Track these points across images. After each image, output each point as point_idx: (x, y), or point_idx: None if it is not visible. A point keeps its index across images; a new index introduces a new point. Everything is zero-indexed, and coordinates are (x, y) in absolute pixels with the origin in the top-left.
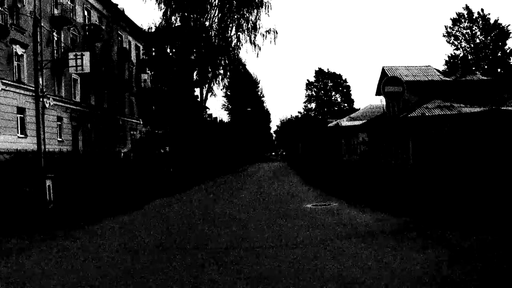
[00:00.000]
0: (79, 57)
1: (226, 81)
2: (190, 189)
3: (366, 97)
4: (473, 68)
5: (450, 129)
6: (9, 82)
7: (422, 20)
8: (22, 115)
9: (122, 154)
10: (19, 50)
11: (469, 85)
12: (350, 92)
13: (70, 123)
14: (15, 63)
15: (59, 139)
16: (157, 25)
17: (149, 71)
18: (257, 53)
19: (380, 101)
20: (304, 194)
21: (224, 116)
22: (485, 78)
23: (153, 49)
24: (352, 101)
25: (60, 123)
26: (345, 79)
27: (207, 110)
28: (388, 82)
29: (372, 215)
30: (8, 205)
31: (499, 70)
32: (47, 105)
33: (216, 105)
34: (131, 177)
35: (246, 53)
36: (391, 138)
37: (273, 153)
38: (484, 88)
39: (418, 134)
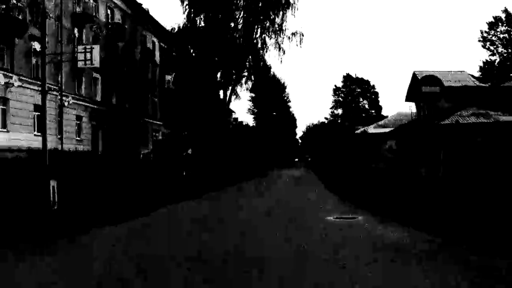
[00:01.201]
0: (88, 50)
1: (250, 83)
2: (207, 193)
3: (394, 104)
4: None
5: (486, 138)
6: (26, 79)
7: (455, 24)
8: (39, 113)
9: (142, 156)
10: (37, 46)
11: (507, 92)
12: (378, 99)
13: (90, 122)
14: (33, 60)
15: (77, 138)
16: (180, 26)
17: (172, 72)
18: (282, 57)
19: (409, 108)
20: (327, 204)
21: (249, 120)
22: None
23: (176, 50)
24: (380, 108)
25: (79, 122)
26: (373, 85)
27: (233, 113)
28: (425, 81)
29: (401, 232)
30: (12, 206)
31: None
32: (66, 104)
33: (242, 109)
34: (146, 179)
35: (270, 56)
36: (421, 146)
37: (298, 159)
38: None
39: (451, 143)
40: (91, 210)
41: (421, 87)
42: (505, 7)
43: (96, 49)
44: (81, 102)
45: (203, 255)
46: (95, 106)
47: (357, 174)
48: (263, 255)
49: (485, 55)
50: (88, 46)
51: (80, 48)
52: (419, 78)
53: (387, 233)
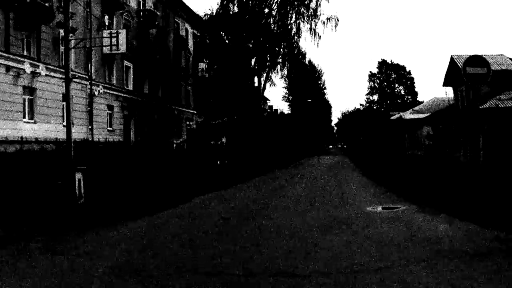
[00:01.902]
0: (114, 35)
1: (285, 70)
2: (241, 183)
3: (430, 89)
4: None
5: None
6: (54, 68)
7: (492, 6)
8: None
9: (175, 145)
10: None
11: None
12: (414, 85)
13: (122, 112)
14: (61, 48)
15: (109, 128)
16: (214, 12)
17: (206, 60)
18: (317, 42)
19: (446, 93)
20: (365, 193)
21: (284, 107)
22: None
23: (210, 37)
24: (416, 93)
25: (110, 112)
26: (409, 71)
27: (268, 101)
28: (470, 62)
29: (452, 225)
30: (36, 199)
31: None
32: (96, 93)
33: (277, 97)
34: (179, 169)
35: (305, 42)
36: (459, 131)
37: (334, 146)
38: None
39: (490, 128)
40: (120, 203)
41: (466, 68)
42: None
43: (123, 34)
44: (112, 92)
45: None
46: (127, 96)
47: (394, 161)
48: (291, 253)
49: None
50: (114, 31)
51: (106, 33)
52: (458, 61)
53: (435, 225)
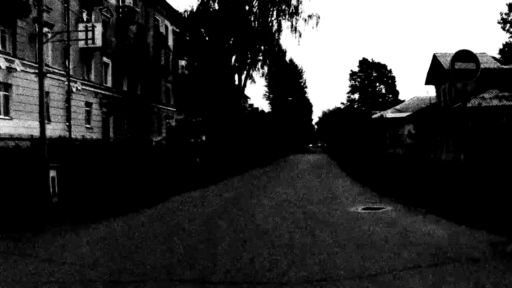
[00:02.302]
0: (90, 29)
1: (266, 68)
2: (221, 181)
3: (411, 88)
4: None
5: (509, 121)
6: (30, 63)
7: (472, 6)
8: (45, 100)
9: (154, 143)
10: (43, 29)
11: None
12: (395, 83)
13: (100, 109)
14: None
15: (87, 125)
16: (194, 9)
17: (186, 57)
18: (298, 40)
19: (427, 92)
20: (349, 192)
21: (265, 106)
22: None
23: (190, 34)
24: (397, 92)
25: (89, 109)
26: (390, 69)
27: (248, 99)
28: (458, 57)
29: (440, 226)
30: (8, 197)
31: None
32: (74, 90)
33: (258, 95)
34: (158, 168)
35: (286, 40)
36: (441, 130)
37: (314, 145)
38: None
39: (473, 126)
40: (95, 202)
41: (454, 63)
42: None
43: (99, 27)
44: (90, 88)
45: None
46: (106, 92)
47: (376, 160)
48: (280, 269)
49: (504, 37)
50: (90, 24)
51: (81, 26)
52: (441, 59)
53: (423, 226)
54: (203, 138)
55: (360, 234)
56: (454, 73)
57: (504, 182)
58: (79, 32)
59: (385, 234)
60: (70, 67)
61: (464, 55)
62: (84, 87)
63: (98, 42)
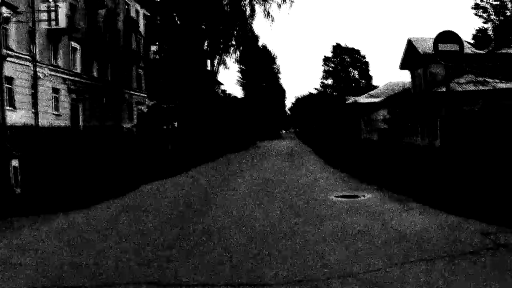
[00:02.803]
0: (52, 8)
1: (238, 53)
2: (193, 168)
3: (385, 74)
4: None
5: (485, 106)
6: None
7: None
8: (10, 86)
9: (125, 130)
10: (4, 11)
11: (505, 58)
12: (369, 69)
13: (69, 95)
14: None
15: (55, 112)
16: None
17: (157, 42)
18: (271, 24)
19: (400, 77)
20: (326, 179)
21: (238, 92)
22: None
23: (161, 18)
24: (371, 77)
25: (57, 95)
26: (364, 55)
27: (221, 85)
28: (441, 38)
29: (426, 215)
30: None
31: None
32: (41, 75)
33: (231, 81)
34: (128, 155)
35: (259, 25)
36: (416, 115)
37: (287, 131)
38: None
39: (448, 111)
40: (62, 193)
41: (437, 44)
42: None
43: (62, 7)
44: (58, 74)
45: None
46: (75, 78)
47: (351, 146)
48: (254, 264)
49: (478, 22)
50: (52, 3)
51: (42, 6)
52: (416, 43)
53: (407, 215)
54: (175, 124)
55: (343, 226)
56: (437, 55)
57: (483, 167)
58: (42, 13)
59: (370, 225)
60: (37, 51)
61: (447, 37)
62: (51, 72)
63: (62, 23)
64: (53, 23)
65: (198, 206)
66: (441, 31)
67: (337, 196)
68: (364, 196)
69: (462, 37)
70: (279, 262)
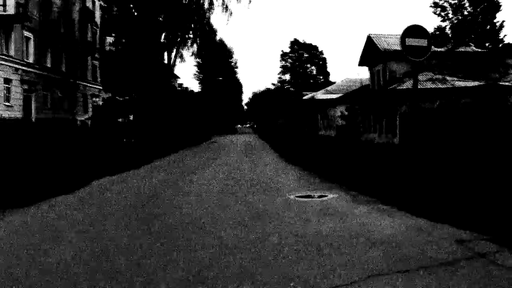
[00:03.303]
0: None
1: (196, 46)
2: (148, 163)
3: (343, 70)
4: (466, 39)
5: (444, 103)
6: None
7: None
8: None
9: (79, 122)
10: None
11: (463, 57)
12: (326, 65)
13: (21, 86)
14: None
15: (6, 103)
16: None
17: (113, 33)
18: (228, 19)
19: (357, 74)
20: (286, 176)
21: (195, 86)
22: (479, 50)
23: (117, 9)
24: (328, 74)
25: (8, 85)
26: (321, 51)
27: (178, 79)
28: (410, 32)
29: (396, 219)
30: None
31: (487, 44)
32: None
33: (188, 75)
34: (81, 148)
35: (217, 18)
36: (375, 112)
37: (244, 125)
38: (478, 61)
39: (407, 109)
40: (9, 188)
41: (405, 39)
42: None
43: None
44: (10, 64)
45: None
46: (27, 69)
47: (308, 142)
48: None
49: (436, 21)
50: None
51: None
52: (376, 40)
53: (376, 217)
54: (131, 117)
55: (307, 232)
56: (404, 50)
57: (445, 167)
58: None
59: (337, 231)
60: None
61: (415, 31)
62: (2, 62)
63: (11, 9)
64: (1, 8)
65: (150, 208)
66: (409, 25)
67: (299, 196)
68: (327, 196)
69: None
70: (237, 276)
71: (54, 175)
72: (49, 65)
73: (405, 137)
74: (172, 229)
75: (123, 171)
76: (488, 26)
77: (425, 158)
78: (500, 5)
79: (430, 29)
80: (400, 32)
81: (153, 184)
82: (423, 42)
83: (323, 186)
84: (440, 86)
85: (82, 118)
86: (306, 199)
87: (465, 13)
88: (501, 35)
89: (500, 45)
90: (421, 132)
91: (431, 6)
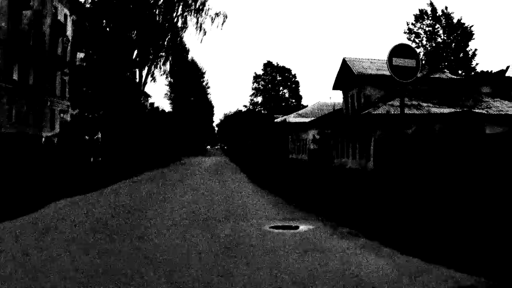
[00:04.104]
0: None
1: (168, 65)
2: (115, 183)
3: (316, 94)
4: (441, 66)
5: (419, 129)
6: None
7: (380, 16)
8: None
9: (44, 139)
10: None
11: (438, 83)
12: (299, 88)
13: None
14: None
15: None
16: None
17: (85, 49)
18: (201, 38)
19: (329, 98)
20: (258, 203)
21: (166, 106)
22: (454, 77)
23: (90, 24)
24: (300, 97)
25: None
26: (294, 74)
27: (149, 98)
28: (397, 52)
29: (382, 256)
30: None
31: (460, 71)
32: None
33: (160, 94)
34: (42, 166)
35: (190, 38)
36: (348, 136)
37: (215, 147)
38: (453, 88)
39: (382, 134)
40: None
41: (392, 59)
42: (430, 1)
43: None
44: None
45: None
46: None
47: (280, 166)
48: None
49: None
50: None
51: None
52: (351, 63)
53: (363, 259)
54: (99, 135)
55: (282, 271)
56: (391, 71)
57: (426, 195)
58: None
59: (320, 273)
60: None
61: (402, 50)
62: None
63: None
64: None
65: (103, 242)
66: (396, 44)
67: (273, 227)
68: (304, 227)
69: None
70: None
71: (6, 196)
72: (15, 78)
73: (381, 163)
74: (126, 268)
75: (86, 192)
76: (461, 54)
77: (402, 185)
78: (473, 34)
79: None
80: (387, 52)
81: (114, 208)
82: (411, 63)
83: (299, 215)
84: (415, 111)
85: (49, 134)
86: (281, 231)
87: (439, 40)
88: (474, 63)
89: (473, 73)
90: (397, 158)
91: (405, 33)
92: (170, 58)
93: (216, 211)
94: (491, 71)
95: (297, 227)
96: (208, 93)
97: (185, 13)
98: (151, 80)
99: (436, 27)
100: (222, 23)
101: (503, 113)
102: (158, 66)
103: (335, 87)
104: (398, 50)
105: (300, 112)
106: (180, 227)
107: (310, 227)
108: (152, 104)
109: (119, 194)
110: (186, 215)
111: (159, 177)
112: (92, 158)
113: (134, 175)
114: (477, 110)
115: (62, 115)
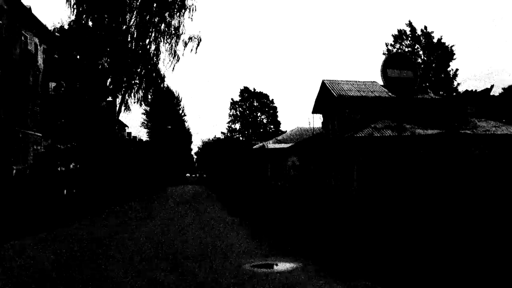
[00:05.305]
0: None
1: (142, 93)
2: (87, 218)
3: (295, 119)
4: (423, 85)
5: (403, 152)
6: None
7: (360, 37)
8: None
9: (14, 172)
10: None
11: (422, 103)
12: (277, 114)
13: None
14: None
15: None
16: (65, 26)
17: (56, 78)
18: (174, 65)
19: (309, 123)
20: (236, 238)
21: (143, 135)
22: (438, 97)
23: (61, 53)
24: (279, 123)
25: None
26: (272, 99)
27: (126, 127)
28: (392, 62)
29: None
30: None
31: (441, 92)
32: None
33: (136, 123)
34: (8, 202)
35: (164, 65)
36: (330, 161)
37: (193, 175)
38: (437, 108)
39: (365, 158)
40: None
41: (387, 70)
42: (409, 21)
43: None
44: None
45: None
46: None
47: (259, 194)
48: None
49: None
50: None
51: None
52: (330, 85)
53: None
54: (71, 166)
55: None
56: (386, 83)
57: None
58: None
59: None
60: None
61: (398, 61)
62: None
63: None
64: None
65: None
66: (391, 53)
67: (255, 266)
68: (289, 265)
69: (377, 81)
70: None
71: None
72: None
73: (362, 188)
74: None
75: (54, 228)
76: (443, 74)
77: (393, 214)
78: (454, 53)
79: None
80: (381, 62)
81: (81, 247)
82: (409, 74)
83: (282, 251)
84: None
85: (19, 167)
86: (264, 270)
87: (419, 60)
88: (455, 83)
89: (456, 93)
90: (382, 184)
91: (384, 54)
92: (144, 86)
93: (193, 246)
94: (476, 90)
95: (279, 272)
96: (185, 121)
97: (158, 39)
98: (124, 109)
99: (416, 47)
100: (196, 47)
101: (489, 133)
102: (132, 94)
103: (314, 111)
104: (393, 60)
105: (278, 138)
106: (154, 263)
107: (296, 266)
108: (129, 133)
109: (91, 228)
110: (156, 250)
111: (137, 210)
112: (65, 191)
113: (112, 207)
114: (464, 131)
115: (35, 146)
